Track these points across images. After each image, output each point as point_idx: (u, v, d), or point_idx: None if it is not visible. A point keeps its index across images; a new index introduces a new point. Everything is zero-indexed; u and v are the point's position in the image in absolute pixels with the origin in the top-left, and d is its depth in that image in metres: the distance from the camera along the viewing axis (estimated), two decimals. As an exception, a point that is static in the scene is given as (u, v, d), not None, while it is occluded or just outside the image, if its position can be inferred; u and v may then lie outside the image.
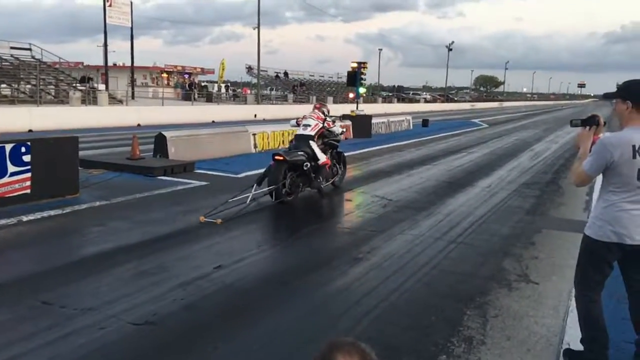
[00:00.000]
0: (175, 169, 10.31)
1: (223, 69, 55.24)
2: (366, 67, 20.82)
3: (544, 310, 4.31)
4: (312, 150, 8.40)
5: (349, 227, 6.92)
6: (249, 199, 7.41)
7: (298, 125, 9.06)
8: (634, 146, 3.02)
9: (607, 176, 3.17)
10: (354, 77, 20.56)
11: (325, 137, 9.03)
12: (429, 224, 7.07)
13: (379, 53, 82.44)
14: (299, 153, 8.23)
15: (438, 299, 4.52)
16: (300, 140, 8.57)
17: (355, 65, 20.35)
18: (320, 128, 8.86)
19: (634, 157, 3.02)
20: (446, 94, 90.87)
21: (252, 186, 7.74)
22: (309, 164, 8.20)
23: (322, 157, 8.53)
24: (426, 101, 76.21)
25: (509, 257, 5.77)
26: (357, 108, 21.10)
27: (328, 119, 9.16)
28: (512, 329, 3.95)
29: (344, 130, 10.30)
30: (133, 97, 33.88)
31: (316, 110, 9.23)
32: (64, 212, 7.07)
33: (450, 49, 79.31)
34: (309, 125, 8.75)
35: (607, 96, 3.59)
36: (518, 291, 4.75)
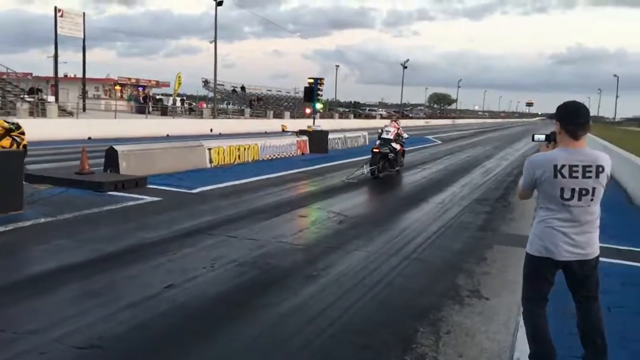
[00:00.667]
0: (126, 184, 10.03)
1: (179, 83, 54.56)
2: (322, 83, 20.93)
3: (495, 326, 4.37)
4: (393, 147, 13.66)
5: (304, 244, 6.88)
6: (366, 171, 13.16)
7: (382, 131, 14.14)
8: (555, 166, 3.13)
9: (538, 193, 3.30)
10: (311, 92, 20.64)
11: (397, 141, 14.07)
12: (384, 240, 7.12)
13: (336, 69, 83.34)
14: (386, 148, 13.44)
15: (392, 317, 4.52)
16: (385, 141, 13.66)
17: (312, 81, 20.49)
18: (395, 133, 13.99)
19: (555, 176, 3.13)
20: (401, 111, 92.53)
21: (363, 165, 13.35)
22: (392, 155, 13.54)
23: (398, 147, 14.04)
24: (382, 117, 77.29)
25: (462, 273, 5.85)
26: (314, 123, 21.12)
27: (400, 127, 14.53)
28: (464, 346, 3.98)
29: (408, 136, 15.45)
30: (84, 109, 32.97)
31: (393, 122, 14.59)
32: (7, 229, 6.75)
33: (405, 67, 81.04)
34: (389, 131, 13.91)
35: (550, 117, 3.72)
36: (470, 307, 4.81)
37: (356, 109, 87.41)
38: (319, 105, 21.69)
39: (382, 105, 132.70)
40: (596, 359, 3.36)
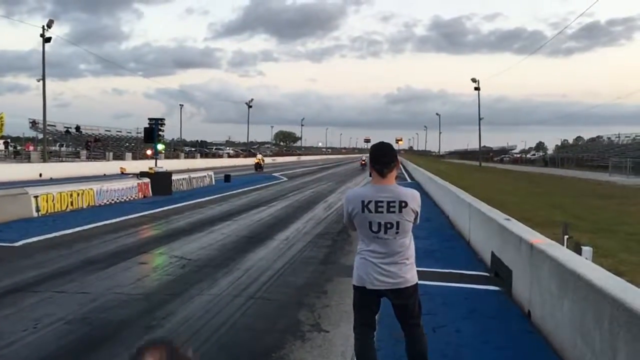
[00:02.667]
0: None
1: (1, 124, 49.22)
2: (163, 124, 20.38)
3: (333, 358, 4.54)
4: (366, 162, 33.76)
5: (143, 293, 6.52)
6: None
7: (363, 158, 51.87)
8: (363, 201, 3.42)
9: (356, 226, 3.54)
10: (151, 133, 19.95)
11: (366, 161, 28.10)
12: (228, 282, 7.04)
13: (180, 108, 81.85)
14: (364, 161, 46.88)
15: (234, 360, 4.46)
16: (364, 160, 48.30)
17: (152, 121, 19.84)
18: (367, 159, 24.57)
19: (363, 211, 3.41)
20: (248, 149, 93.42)
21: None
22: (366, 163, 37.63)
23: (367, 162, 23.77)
24: (229, 156, 77.33)
25: (304, 307, 5.99)
26: (156, 164, 20.37)
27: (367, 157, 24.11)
28: (304, 381, 4.06)
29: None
30: None
31: (365, 155, 38.53)
32: None
33: (250, 106, 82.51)
34: (366, 158, 35.05)
35: None
36: (311, 341, 4.93)
37: (203, 148, 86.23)
38: (160, 146, 21.02)
39: (229, 143, 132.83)
40: (422, 380, 3.63)
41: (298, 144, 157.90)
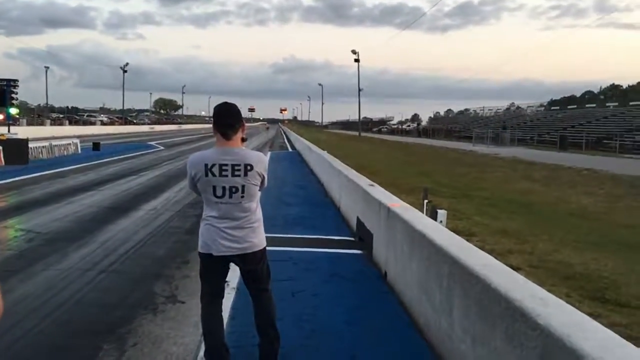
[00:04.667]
0: None
1: None
2: (17, 86, 18.34)
3: (184, 329, 4.33)
4: None
5: (-24, 271, 5.81)
6: None
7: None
8: (206, 165, 3.21)
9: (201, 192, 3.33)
10: (2, 96, 17.91)
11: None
12: (81, 255, 6.51)
13: (46, 71, 75.04)
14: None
15: (73, 339, 4.09)
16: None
17: (2, 82, 17.77)
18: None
19: (207, 175, 3.21)
20: (124, 117, 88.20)
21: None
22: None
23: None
24: (103, 123, 72.55)
25: (161, 279, 5.70)
26: (9, 131, 18.41)
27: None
28: (150, 356, 3.83)
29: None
30: None
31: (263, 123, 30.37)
32: None
33: (125, 71, 77.69)
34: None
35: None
36: (163, 314, 4.69)
37: (72, 115, 79.92)
38: (13, 110, 18.96)
39: (103, 110, 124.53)
40: (269, 347, 3.54)
41: (179, 112, 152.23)
